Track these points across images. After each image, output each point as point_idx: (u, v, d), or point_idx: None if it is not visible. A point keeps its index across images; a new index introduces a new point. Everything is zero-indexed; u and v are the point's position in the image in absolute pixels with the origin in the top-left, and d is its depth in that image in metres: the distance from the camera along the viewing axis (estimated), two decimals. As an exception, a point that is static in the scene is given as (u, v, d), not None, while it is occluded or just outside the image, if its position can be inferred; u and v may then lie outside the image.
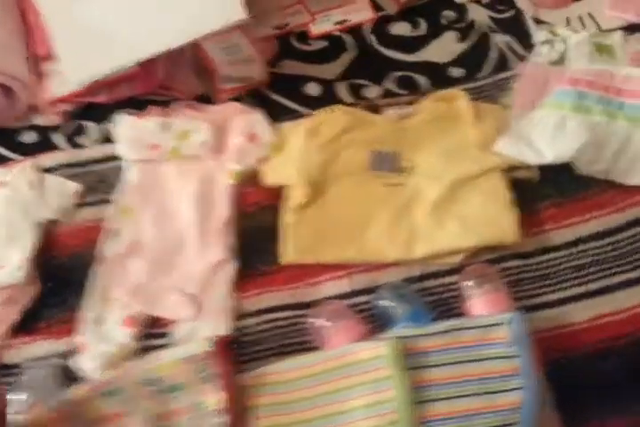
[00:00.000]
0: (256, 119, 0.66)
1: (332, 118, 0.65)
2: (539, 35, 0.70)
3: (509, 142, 0.62)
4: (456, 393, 0.48)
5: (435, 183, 0.61)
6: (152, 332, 0.58)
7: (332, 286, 0.59)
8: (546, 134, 0.61)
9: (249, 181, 0.64)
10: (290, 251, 0.60)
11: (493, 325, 0.50)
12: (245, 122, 0.65)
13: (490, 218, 0.59)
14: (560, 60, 0.66)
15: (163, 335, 0.58)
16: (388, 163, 0.63)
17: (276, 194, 0.63)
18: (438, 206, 0.60)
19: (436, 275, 0.59)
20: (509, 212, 0.59)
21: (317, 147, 0.64)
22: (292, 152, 0.64)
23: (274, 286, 0.59)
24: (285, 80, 0.73)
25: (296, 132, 0.65)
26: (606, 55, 0.66)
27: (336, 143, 0.64)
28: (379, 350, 0.50)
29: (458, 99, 0.65)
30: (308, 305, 0.58)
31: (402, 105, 0.65)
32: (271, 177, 0.64)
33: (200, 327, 0.56)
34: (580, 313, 0.56)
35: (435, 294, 0.59)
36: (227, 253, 0.59)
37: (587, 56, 0.64)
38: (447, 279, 0.59)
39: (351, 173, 0.63)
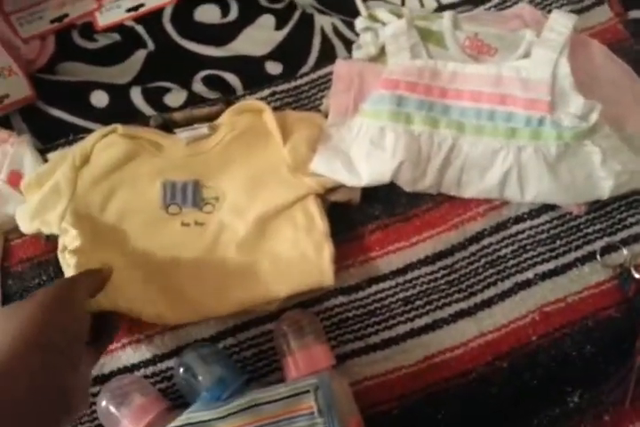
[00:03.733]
0: (22, 150, 0.53)
1: (108, 143, 0.53)
2: (359, 20, 0.59)
3: (324, 160, 0.52)
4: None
5: (241, 218, 0.52)
6: None
7: (133, 353, 0.50)
8: (362, 150, 0.52)
9: (14, 231, 0.53)
10: None
11: (298, 394, 0.43)
12: (3, 153, 0.52)
13: (303, 259, 0.50)
14: (381, 55, 0.56)
15: None
16: (185, 196, 0.52)
17: (54, 243, 0.52)
18: (246, 248, 0.51)
19: (252, 323, 0.51)
20: (324, 249, 0.50)
21: (90, 181, 0.52)
22: (56, 191, 0.52)
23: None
24: (65, 89, 0.59)
25: (61, 163, 0.52)
26: (434, 45, 0.57)
27: (116, 175, 0.52)
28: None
29: (262, 111, 0.54)
30: (104, 380, 0.49)
31: (196, 124, 0.53)
32: (27, 225, 0.52)
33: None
34: (408, 354, 0.50)
35: (253, 347, 0.51)
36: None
37: (408, 49, 0.55)
38: (267, 326, 0.51)
39: (139, 213, 0.52)
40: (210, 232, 0.52)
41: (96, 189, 0.52)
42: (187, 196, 0.52)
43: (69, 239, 0.50)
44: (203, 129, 0.52)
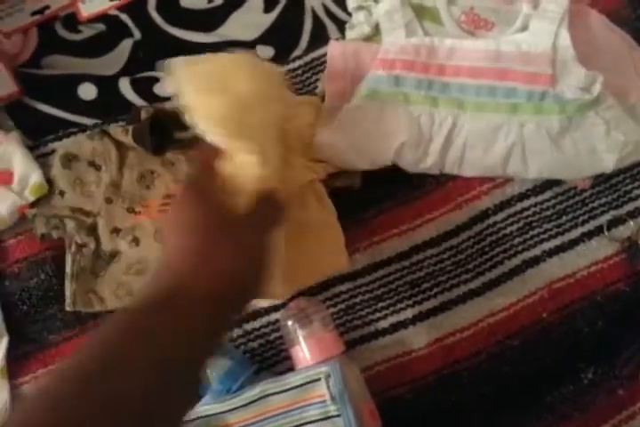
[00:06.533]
0: (11, 149, 0.52)
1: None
2: (351, -2, 0.57)
3: (326, 144, 0.51)
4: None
5: None
6: None
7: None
8: (362, 133, 0.51)
9: (9, 230, 0.52)
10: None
11: (309, 382, 0.43)
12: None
13: (322, 244, 0.49)
14: (376, 34, 0.55)
15: None
16: None
17: (50, 242, 0.52)
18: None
19: (257, 314, 0.51)
20: (338, 233, 0.50)
21: None
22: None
23: (65, 358, 0.49)
24: (51, 83, 0.57)
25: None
26: (430, 22, 0.55)
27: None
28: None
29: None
30: None
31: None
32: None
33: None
34: (418, 337, 0.50)
35: (260, 337, 0.50)
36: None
37: (403, 27, 0.54)
38: (273, 316, 0.51)
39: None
40: None
41: None
42: None
43: None
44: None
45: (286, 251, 0.48)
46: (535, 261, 0.52)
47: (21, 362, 0.49)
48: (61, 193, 0.53)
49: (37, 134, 0.56)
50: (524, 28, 0.53)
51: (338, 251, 0.49)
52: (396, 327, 0.50)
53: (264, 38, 0.60)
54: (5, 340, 0.49)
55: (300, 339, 0.47)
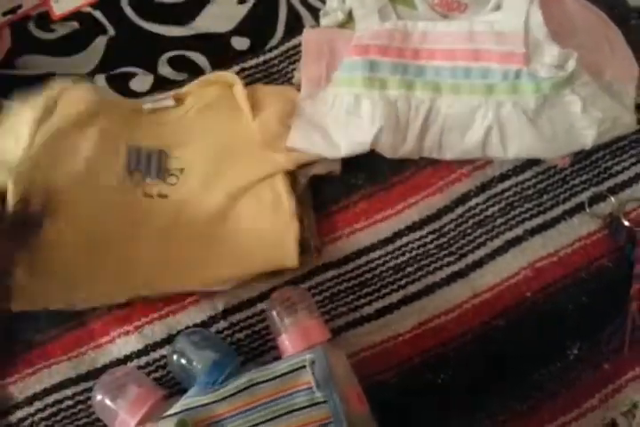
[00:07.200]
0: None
1: (74, 95, 0.50)
2: (324, -16, 0.57)
3: (301, 134, 0.51)
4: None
5: (206, 193, 0.50)
6: None
7: (123, 345, 0.49)
8: (339, 121, 0.51)
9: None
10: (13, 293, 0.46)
11: (294, 370, 0.43)
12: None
13: (268, 239, 0.49)
14: (350, 21, 0.54)
15: None
16: (149, 165, 0.50)
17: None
18: (209, 224, 0.49)
19: (242, 305, 0.50)
20: (290, 229, 0.49)
21: (51, 135, 0.48)
22: (14, 142, 0.48)
23: (51, 358, 0.49)
24: (27, 83, 0.55)
25: (21, 113, 0.49)
26: (403, 6, 0.55)
27: (77, 130, 0.49)
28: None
29: (232, 83, 0.53)
30: (97, 374, 0.47)
31: (160, 95, 0.52)
32: None
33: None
34: (403, 321, 0.50)
35: (246, 328, 0.50)
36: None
37: (376, 12, 0.53)
38: (258, 307, 0.51)
39: (100, 175, 0.49)
40: (172, 206, 0.50)
41: (56, 145, 0.48)
42: (151, 165, 0.51)
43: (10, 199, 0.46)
44: (167, 101, 0.51)
45: (234, 236, 0.48)
46: (517, 241, 0.52)
47: (7, 363, 0.49)
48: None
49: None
50: (498, 7, 0.53)
51: (288, 248, 0.49)
52: (381, 313, 0.50)
53: (239, 30, 0.60)
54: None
55: (286, 327, 0.47)
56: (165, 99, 0.51)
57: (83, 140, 0.49)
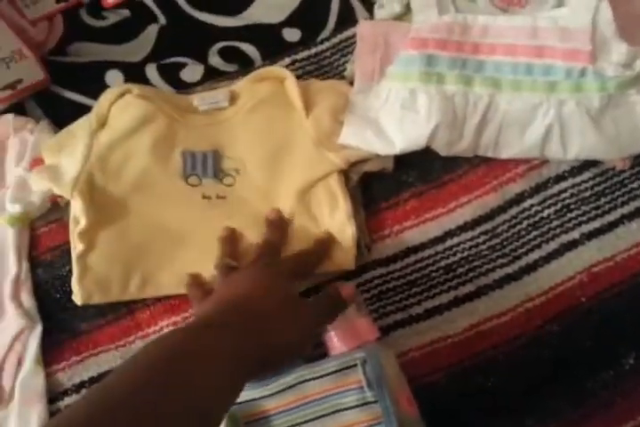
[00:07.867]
0: (42, 137, 0.51)
1: (124, 104, 0.50)
2: (379, -24, 0.56)
3: (353, 130, 0.50)
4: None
5: (262, 195, 0.50)
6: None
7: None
8: (393, 116, 0.50)
9: (41, 218, 0.52)
10: (81, 288, 0.48)
11: (345, 368, 0.42)
12: (22, 142, 0.51)
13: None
14: (406, 13, 0.53)
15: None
16: (205, 167, 0.50)
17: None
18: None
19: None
20: (347, 231, 0.49)
21: (107, 146, 0.50)
22: (72, 155, 0.50)
23: (98, 346, 0.49)
24: (79, 70, 0.57)
25: (81, 126, 0.51)
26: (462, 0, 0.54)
27: (134, 139, 0.50)
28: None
29: (284, 78, 0.52)
30: None
31: (215, 95, 0.51)
32: (41, 186, 0.50)
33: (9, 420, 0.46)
34: (454, 323, 0.49)
35: (292, 323, 0.50)
36: (26, 318, 0.48)
37: (435, 5, 0.52)
38: (306, 302, 0.51)
39: (158, 182, 0.50)
40: (231, 206, 0.50)
41: (113, 155, 0.50)
42: (207, 167, 0.50)
43: (78, 212, 0.49)
44: (222, 102, 0.50)
45: (292, 237, 0.49)
46: (574, 245, 0.50)
47: (55, 350, 0.50)
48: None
49: (65, 123, 0.55)
50: (559, 4, 0.51)
51: (346, 250, 0.49)
52: (430, 313, 0.49)
53: (290, 20, 0.59)
54: (39, 328, 0.49)
55: (335, 324, 0.46)
56: (220, 100, 0.51)
57: (136, 149, 0.50)
